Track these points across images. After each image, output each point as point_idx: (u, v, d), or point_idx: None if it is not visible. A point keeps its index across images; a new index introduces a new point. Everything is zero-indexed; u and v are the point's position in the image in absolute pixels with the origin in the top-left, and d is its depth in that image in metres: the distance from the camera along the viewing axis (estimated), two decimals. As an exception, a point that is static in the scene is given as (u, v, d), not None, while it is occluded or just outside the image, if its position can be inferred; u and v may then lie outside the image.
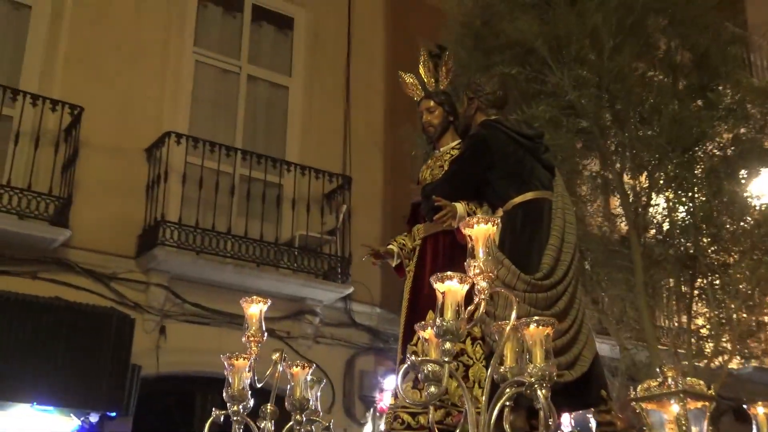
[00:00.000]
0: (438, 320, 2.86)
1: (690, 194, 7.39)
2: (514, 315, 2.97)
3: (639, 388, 3.58)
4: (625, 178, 7.59)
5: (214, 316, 8.30)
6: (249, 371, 3.47)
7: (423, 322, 3.16)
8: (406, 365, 2.96)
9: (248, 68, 9.78)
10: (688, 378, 3.59)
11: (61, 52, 8.44)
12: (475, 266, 3.08)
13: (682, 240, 7.46)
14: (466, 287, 2.93)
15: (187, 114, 9.10)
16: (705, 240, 7.60)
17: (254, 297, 3.57)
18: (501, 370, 2.96)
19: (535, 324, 2.82)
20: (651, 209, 7.48)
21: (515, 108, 7.06)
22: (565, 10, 7.21)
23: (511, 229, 4.19)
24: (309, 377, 3.57)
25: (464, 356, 4.19)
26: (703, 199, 7.36)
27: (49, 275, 7.71)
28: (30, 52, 8.39)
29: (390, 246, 4.72)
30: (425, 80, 4.84)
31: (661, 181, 7.38)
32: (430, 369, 2.87)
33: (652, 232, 7.63)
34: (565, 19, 7.16)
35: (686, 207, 7.32)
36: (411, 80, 4.85)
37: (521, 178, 4.32)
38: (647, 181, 7.41)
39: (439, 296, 2.90)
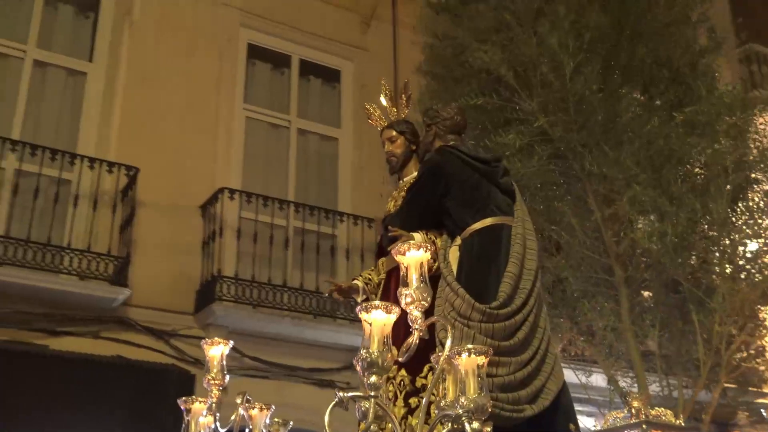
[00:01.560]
0: (362, 352, 2.72)
1: (672, 215, 6.83)
2: (448, 344, 2.83)
3: (603, 421, 3.45)
4: (600, 205, 7.19)
5: (273, 369, 8.30)
6: (208, 415, 3.38)
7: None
8: (334, 401, 2.77)
9: (298, 122, 9.91)
10: (656, 408, 3.44)
11: (116, 116, 8.65)
12: (407, 294, 2.96)
13: (666, 264, 6.95)
14: (393, 317, 2.79)
15: (240, 169, 9.23)
16: (693, 262, 7.24)
17: (215, 339, 3.51)
18: (442, 404, 2.80)
19: (467, 353, 2.67)
20: (631, 234, 7.02)
21: (485, 137, 6.98)
22: (524, 35, 7.01)
23: (467, 256, 4.03)
24: (269, 419, 3.46)
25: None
26: (684, 220, 6.80)
27: (110, 334, 7.81)
28: (86, 116, 8.61)
29: (355, 281, 4.53)
30: (387, 110, 4.75)
31: (633, 204, 6.86)
32: (365, 405, 2.72)
33: (636, 257, 7.28)
34: (525, 44, 6.97)
35: (666, 229, 6.73)
36: (375, 111, 4.76)
37: (478, 203, 4.15)
38: (625, 205, 6.94)
39: (365, 326, 2.75)
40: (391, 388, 3.97)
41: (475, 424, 2.61)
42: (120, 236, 8.00)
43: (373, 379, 2.69)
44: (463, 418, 2.61)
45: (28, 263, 7.42)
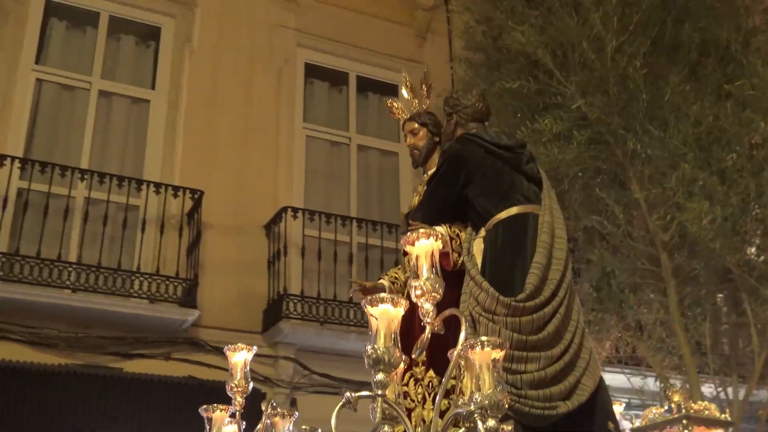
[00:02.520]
0: (368, 348, 2.56)
1: (722, 197, 6.35)
2: (462, 337, 2.65)
3: (643, 417, 3.28)
4: (646, 186, 6.78)
5: (342, 384, 8.33)
6: (231, 423, 3.29)
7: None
8: (342, 401, 2.65)
9: (357, 138, 9.97)
10: (699, 402, 3.24)
11: (179, 141, 8.82)
12: (416, 287, 2.77)
13: (716, 250, 6.48)
14: (401, 310, 2.61)
15: (302, 188, 9.32)
16: (751, 250, 6.79)
17: (238, 345, 3.38)
18: (459, 402, 2.60)
19: (480, 346, 2.46)
20: (678, 216, 6.54)
21: (522, 123, 6.69)
22: (564, 14, 6.70)
23: (492, 248, 3.80)
24: (291, 426, 3.33)
25: (407, 400, 3.77)
26: (735, 202, 6.34)
27: (181, 355, 7.94)
28: (151, 143, 8.81)
29: (380, 281, 4.34)
30: (410, 102, 4.58)
31: (682, 184, 6.44)
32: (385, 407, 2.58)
33: (682, 243, 6.83)
34: (564, 23, 6.66)
35: (715, 211, 6.26)
36: (397, 105, 4.60)
37: (501, 192, 3.92)
38: (673, 185, 6.51)
39: (371, 321, 2.58)
40: (420, 390, 3.81)
41: (491, 422, 2.40)
42: (187, 259, 8.14)
43: (380, 376, 2.54)
44: (476, 416, 2.41)
45: (100, 288, 7.61)
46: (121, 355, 7.73)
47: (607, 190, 6.98)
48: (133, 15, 9.19)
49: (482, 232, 3.89)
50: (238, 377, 3.33)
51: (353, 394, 2.59)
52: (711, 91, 6.73)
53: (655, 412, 3.18)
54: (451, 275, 3.74)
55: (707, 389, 7.05)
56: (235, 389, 3.33)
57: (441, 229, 3.89)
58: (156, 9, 9.25)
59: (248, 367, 3.39)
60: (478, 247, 3.86)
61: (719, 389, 7.05)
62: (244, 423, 3.43)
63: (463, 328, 2.70)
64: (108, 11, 9.05)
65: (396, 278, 4.36)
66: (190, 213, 8.35)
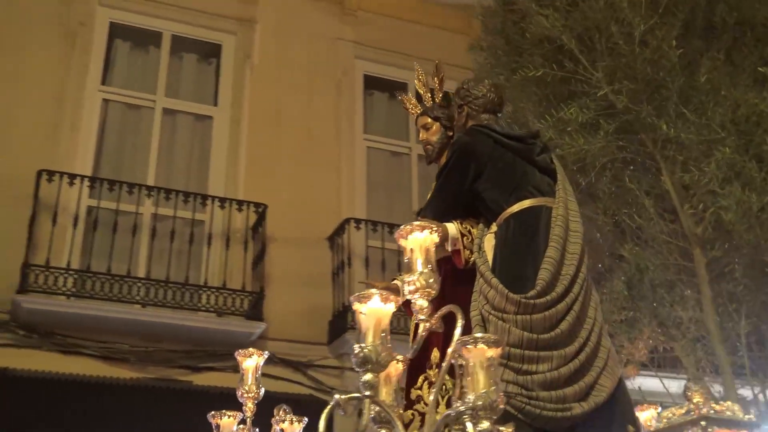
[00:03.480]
0: (356, 347, 2.43)
1: (759, 182, 5.94)
2: (457, 333, 2.54)
3: (660, 418, 3.09)
4: (678, 175, 6.40)
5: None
6: (242, 430, 3.19)
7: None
8: (331, 404, 2.53)
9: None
10: (721, 403, 3.02)
11: (242, 155, 8.94)
12: (409, 282, 2.64)
13: (751, 241, 6.07)
14: (391, 307, 2.48)
15: (364, 199, 9.36)
16: None
17: (249, 350, 3.26)
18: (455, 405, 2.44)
19: (473, 343, 2.30)
20: (711, 203, 6.14)
21: (546, 113, 6.41)
22: None
23: (502, 243, 3.61)
24: None
25: (420, 404, 3.63)
26: None
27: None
28: (214, 158, 8.95)
29: (394, 281, 4.21)
30: (423, 96, 4.43)
31: (720, 168, 6.01)
32: (376, 410, 2.47)
33: (718, 237, 6.42)
34: (590, 7, 6.31)
35: (750, 199, 5.85)
36: (410, 100, 4.48)
37: (512, 185, 3.73)
38: (709, 175, 6.08)
39: (360, 318, 2.46)
40: (414, 390, 3.68)
41: (485, 424, 2.24)
42: (253, 272, 8.23)
43: (368, 376, 2.42)
44: (465, 417, 2.25)
45: (169, 303, 7.74)
46: (191, 369, 7.84)
47: (637, 181, 6.61)
48: (195, 34, 9.36)
49: (493, 227, 3.72)
50: (249, 382, 3.24)
51: (342, 397, 2.51)
52: (748, 73, 6.35)
53: (673, 413, 3.00)
54: (464, 273, 3.67)
55: (747, 392, 6.76)
56: (245, 395, 3.25)
57: (451, 226, 3.77)
58: (217, 27, 9.40)
59: (260, 373, 3.29)
60: (489, 243, 3.70)
61: (757, 391, 6.77)
62: (257, 430, 3.38)
63: (458, 324, 2.61)
64: (170, 31, 9.24)
65: None
66: (255, 226, 8.45)
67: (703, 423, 2.74)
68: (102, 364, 7.60)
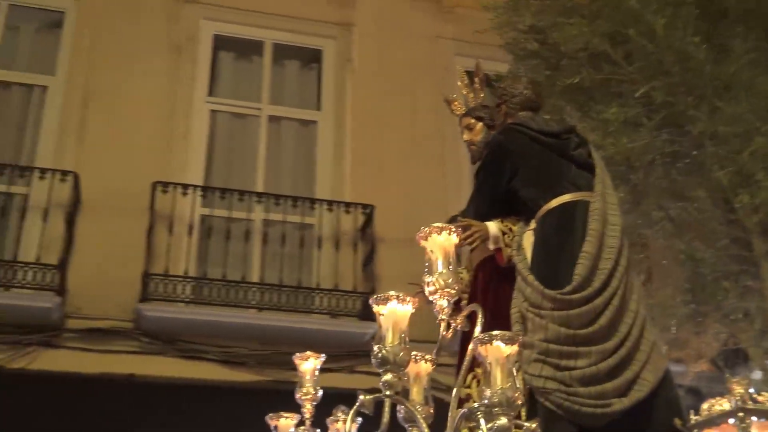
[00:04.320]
0: (375, 348, 2.48)
1: None
2: (477, 331, 2.57)
3: (701, 410, 2.89)
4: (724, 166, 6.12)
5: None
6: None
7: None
8: (356, 405, 2.58)
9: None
10: (764, 393, 2.80)
11: (347, 158, 9.01)
12: (429, 282, 2.66)
13: None
14: (409, 309, 2.52)
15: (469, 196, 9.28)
16: None
17: (307, 353, 3.29)
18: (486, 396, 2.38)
19: (489, 341, 2.28)
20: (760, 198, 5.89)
21: (586, 116, 6.33)
22: (602, 3, 6.32)
23: (540, 240, 3.60)
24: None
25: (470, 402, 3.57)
26: None
27: (365, 368, 8.05)
28: (320, 162, 9.05)
29: None
30: (466, 97, 4.44)
31: (756, 160, 5.80)
32: (403, 410, 2.49)
33: None
34: (611, 13, 6.27)
35: None
36: (455, 101, 4.47)
37: (549, 181, 3.73)
38: (747, 161, 5.88)
39: (379, 320, 2.50)
40: (464, 389, 3.67)
41: (503, 420, 2.21)
42: (363, 273, 8.29)
43: (388, 377, 2.48)
44: (479, 414, 2.24)
45: (283, 306, 7.87)
46: (308, 370, 7.95)
47: (688, 174, 6.48)
48: (296, 41, 9.50)
49: (532, 224, 3.72)
50: (307, 385, 3.27)
51: (366, 397, 2.55)
52: None
53: (713, 405, 2.83)
54: (508, 271, 3.67)
55: None
56: (303, 397, 3.28)
57: (492, 225, 3.80)
58: (317, 33, 9.51)
59: (317, 375, 3.33)
60: (528, 240, 3.70)
61: None
62: (318, 431, 3.40)
63: (479, 322, 2.64)
64: (272, 39, 9.40)
65: (461, 278, 4.12)
66: (363, 228, 8.50)
67: (740, 414, 2.66)
68: (221, 368, 7.79)
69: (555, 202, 3.65)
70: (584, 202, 3.62)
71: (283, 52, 9.49)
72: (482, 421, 2.25)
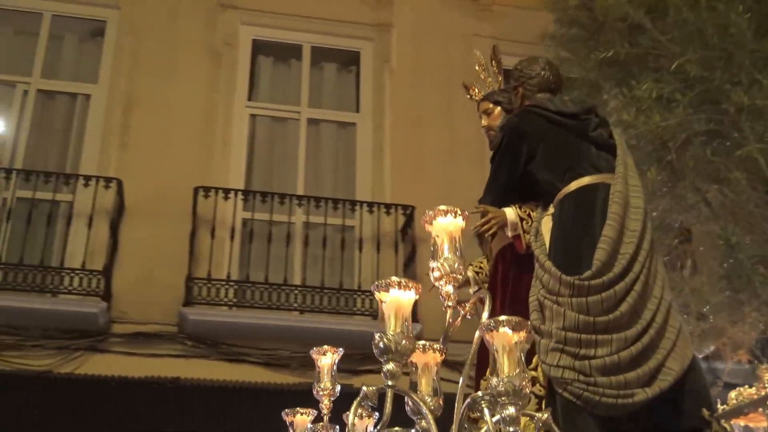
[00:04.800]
0: (376, 336, 2.37)
1: None
2: (484, 317, 2.43)
3: (728, 399, 2.73)
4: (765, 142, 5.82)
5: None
6: (314, 428, 3.09)
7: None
8: (359, 398, 2.47)
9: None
10: None
11: (387, 159, 9.01)
12: (434, 268, 2.55)
13: None
14: (413, 296, 2.42)
15: (511, 195, 9.24)
16: None
17: (325, 347, 3.19)
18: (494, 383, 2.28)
19: (495, 327, 2.19)
20: None
21: (619, 93, 6.07)
22: None
23: (558, 225, 3.44)
24: (371, 426, 3.08)
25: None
26: None
27: (408, 369, 8.05)
28: (360, 164, 9.07)
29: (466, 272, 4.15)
30: (484, 82, 4.31)
31: None
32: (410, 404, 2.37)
33: None
34: None
35: None
36: (473, 87, 4.35)
37: (567, 164, 3.55)
38: None
39: (381, 307, 2.40)
40: (483, 381, 3.53)
41: (510, 410, 2.13)
42: (404, 273, 8.27)
43: (390, 366, 2.39)
44: (483, 403, 2.20)
45: (325, 308, 7.90)
46: (351, 372, 7.95)
47: (725, 154, 6.15)
48: (334, 43, 9.53)
49: (551, 209, 3.56)
50: (325, 380, 3.15)
51: (369, 388, 2.46)
52: None
53: (741, 394, 2.70)
54: (528, 259, 3.52)
55: None
56: (321, 392, 3.15)
57: (510, 211, 3.68)
58: (354, 35, 9.53)
59: (335, 370, 3.22)
60: (546, 225, 3.55)
61: None
62: (337, 427, 3.33)
63: (486, 308, 2.56)
64: (310, 43, 9.44)
65: (481, 267, 4.14)
66: (404, 229, 8.49)
67: None
68: (265, 370, 7.84)
69: (574, 185, 3.50)
70: (605, 184, 3.47)
71: (321, 55, 9.52)
72: (486, 411, 2.20)
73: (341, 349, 3.24)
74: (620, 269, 3.21)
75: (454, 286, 2.60)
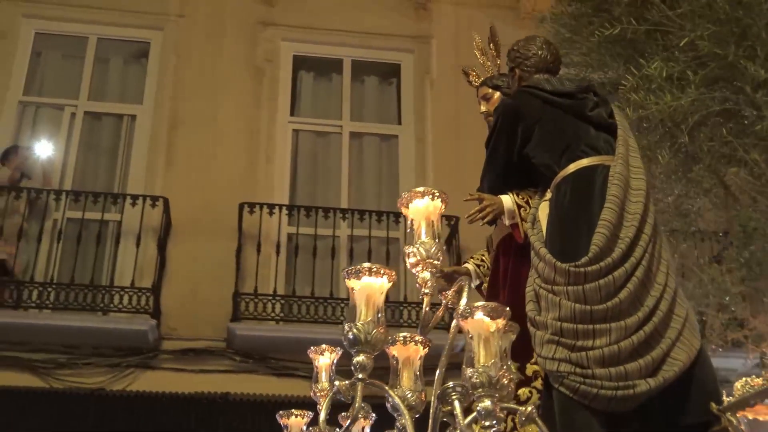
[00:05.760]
0: (345, 326, 2.21)
1: None
2: (463, 302, 2.27)
3: (735, 388, 2.56)
4: None
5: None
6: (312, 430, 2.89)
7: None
8: (332, 392, 2.33)
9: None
10: None
11: (429, 170, 9.01)
12: (410, 253, 2.40)
13: None
14: (386, 282, 2.24)
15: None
16: None
17: (323, 346, 3.02)
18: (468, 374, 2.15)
19: (470, 313, 2.04)
20: None
21: (627, 72, 5.71)
22: None
23: (555, 210, 3.23)
24: (368, 429, 2.96)
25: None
26: None
27: (455, 379, 8.01)
28: (403, 175, 9.08)
29: (465, 264, 3.95)
30: (483, 66, 4.17)
31: None
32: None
33: None
34: None
35: None
36: (472, 72, 4.21)
37: (564, 146, 3.35)
38: None
39: (352, 296, 2.23)
40: None
41: (486, 403, 2.02)
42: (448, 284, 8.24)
43: (360, 358, 2.25)
44: (453, 395, 2.05)
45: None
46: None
47: (742, 134, 5.76)
48: (374, 56, 9.56)
49: (548, 194, 3.35)
50: (323, 380, 2.99)
51: (343, 382, 2.33)
52: None
53: (746, 384, 2.55)
54: (526, 250, 3.31)
55: None
56: (319, 393, 2.99)
57: (506, 198, 3.50)
58: (395, 47, 9.56)
59: (333, 370, 3.07)
60: (543, 211, 3.33)
61: None
62: (337, 429, 3.28)
63: (464, 295, 2.40)
64: (350, 56, 9.49)
65: (483, 260, 3.97)
66: (449, 240, 8.47)
67: None
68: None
69: (572, 168, 3.31)
70: (604, 166, 3.27)
71: (361, 69, 9.56)
72: (456, 404, 2.07)
73: (339, 348, 3.04)
74: (619, 254, 3.01)
75: (431, 272, 2.47)
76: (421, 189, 2.57)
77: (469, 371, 2.08)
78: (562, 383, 2.89)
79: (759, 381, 2.43)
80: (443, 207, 2.56)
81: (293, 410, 3.08)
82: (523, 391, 3.29)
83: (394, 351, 2.52)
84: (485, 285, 3.83)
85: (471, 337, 2.10)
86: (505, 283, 3.50)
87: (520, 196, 3.52)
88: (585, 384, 2.86)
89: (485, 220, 3.57)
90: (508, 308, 2.24)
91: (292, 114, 9.23)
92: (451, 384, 2.13)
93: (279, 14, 9.42)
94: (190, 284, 7.99)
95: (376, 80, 9.65)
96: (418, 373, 2.56)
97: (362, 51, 9.50)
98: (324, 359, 3.00)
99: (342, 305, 7.95)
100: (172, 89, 8.97)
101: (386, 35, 9.50)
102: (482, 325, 2.08)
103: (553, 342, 2.95)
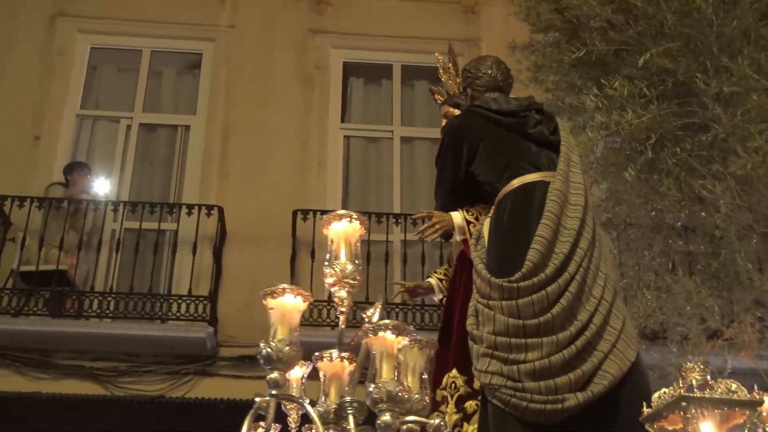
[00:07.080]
0: (261, 344, 2.31)
1: None
2: (376, 317, 2.39)
3: (654, 399, 2.43)
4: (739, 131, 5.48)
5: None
6: None
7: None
8: (254, 408, 2.37)
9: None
10: (720, 381, 2.33)
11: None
12: (328, 274, 2.51)
13: None
14: (299, 302, 2.36)
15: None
16: None
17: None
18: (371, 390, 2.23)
19: (374, 331, 2.14)
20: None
21: (590, 91, 5.87)
22: None
23: (497, 227, 3.31)
24: None
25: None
26: None
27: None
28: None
29: (428, 279, 4.05)
30: (446, 84, 4.20)
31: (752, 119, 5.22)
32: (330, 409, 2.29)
33: None
34: None
35: None
36: (437, 91, 4.26)
37: (504, 163, 3.43)
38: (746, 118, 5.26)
39: (270, 315, 2.34)
40: (444, 391, 3.41)
41: (386, 417, 2.08)
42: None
43: (274, 375, 2.34)
44: (349, 410, 2.12)
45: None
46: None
47: (709, 146, 5.81)
48: (423, 60, 9.54)
49: (491, 211, 3.44)
50: (294, 394, 3.01)
51: (263, 398, 2.39)
52: None
53: (663, 394, 2.45)
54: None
55: None
56: (289, 406, 3.03)
57: (456, 215, 3.58)
58: (444, 51, 9.51)
59: (303, 383, 3.08)
60: (487, 227, 3.42)
61: None
62: None
63: (376, 311, 2.51)
64: (400, 62, 9.52)
65: (446, 275, 4.03)
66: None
67: (684, 404, 2.28)
68: (370, 389, 7.86)
69: (513, 184, 3.40)
70: (543, 182, 3.34)
71: (411, 73, 9.57)
72: (350, 419, 2.14)
73: (309, 363, 3.06)
74: (553, 270, 3.06)
75: (348, 291, 2.58)
76: (341, 212, 2.70)
77: (371, 386, 2.17)
78: (494, 395, 2.97)
79: (680, 391, 2.30)
80: (363, 229, 2.68)
81: (261, 422, 3.09)
82: (470, 404, 3.36)
83: (321, 366, 2.67)
84: (445, 299, 3.92)
85: (375, 354, 2.20)
86: (459, 298, 3.55)
87: (470, 213, 3.61)
88: (516, 397, 2.92)
89: (432, 238, 3.65)
90: (410, 327, 2.33)
91: (342, 120, 9.27)
92: (347, 399, 2.23)
93: (328, 22, 9.49)
94: (245, 291, 8.05)
95: (426, 84, 9.64)
96: (346, 387, 2.66)
97: (411, 56, 9.50)
98: (295, 372, 3.00)
99: (396, 310, 7.95)
100: (225, 99, 9.08)
101: (436, 39, 9.46)
102: (385, 342, 2.18)
103: (487, 355, 3.02)
